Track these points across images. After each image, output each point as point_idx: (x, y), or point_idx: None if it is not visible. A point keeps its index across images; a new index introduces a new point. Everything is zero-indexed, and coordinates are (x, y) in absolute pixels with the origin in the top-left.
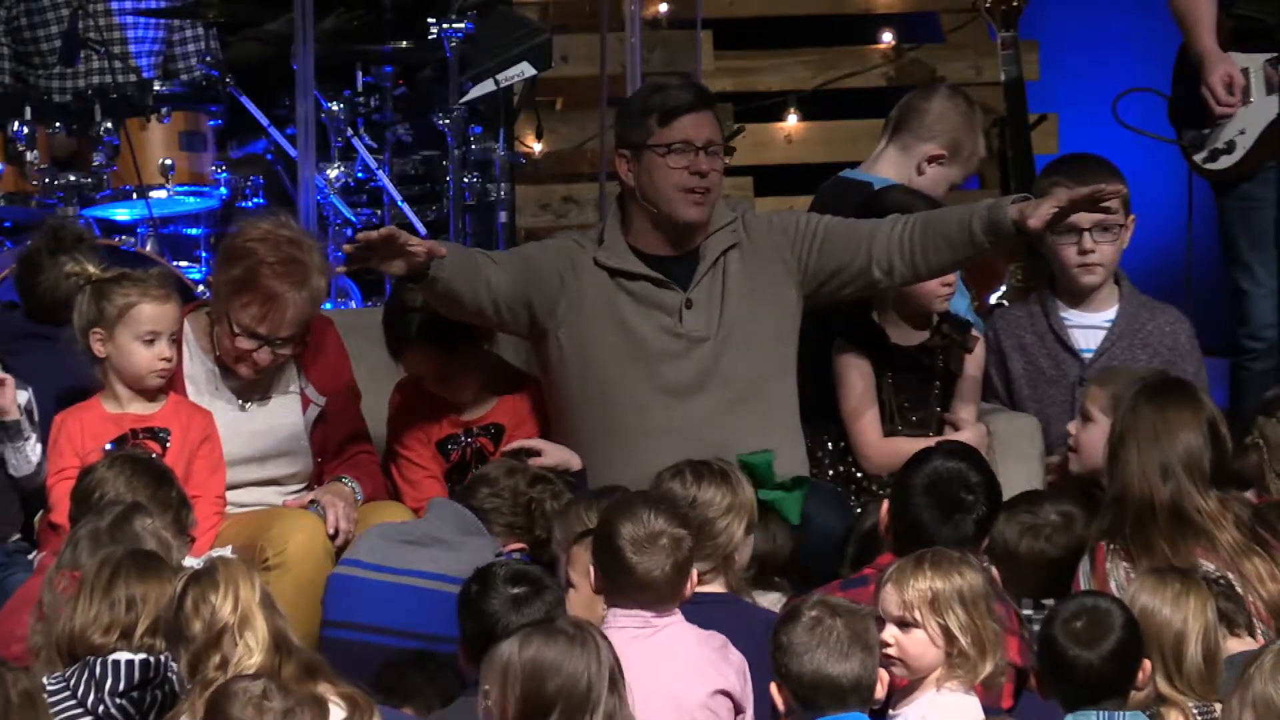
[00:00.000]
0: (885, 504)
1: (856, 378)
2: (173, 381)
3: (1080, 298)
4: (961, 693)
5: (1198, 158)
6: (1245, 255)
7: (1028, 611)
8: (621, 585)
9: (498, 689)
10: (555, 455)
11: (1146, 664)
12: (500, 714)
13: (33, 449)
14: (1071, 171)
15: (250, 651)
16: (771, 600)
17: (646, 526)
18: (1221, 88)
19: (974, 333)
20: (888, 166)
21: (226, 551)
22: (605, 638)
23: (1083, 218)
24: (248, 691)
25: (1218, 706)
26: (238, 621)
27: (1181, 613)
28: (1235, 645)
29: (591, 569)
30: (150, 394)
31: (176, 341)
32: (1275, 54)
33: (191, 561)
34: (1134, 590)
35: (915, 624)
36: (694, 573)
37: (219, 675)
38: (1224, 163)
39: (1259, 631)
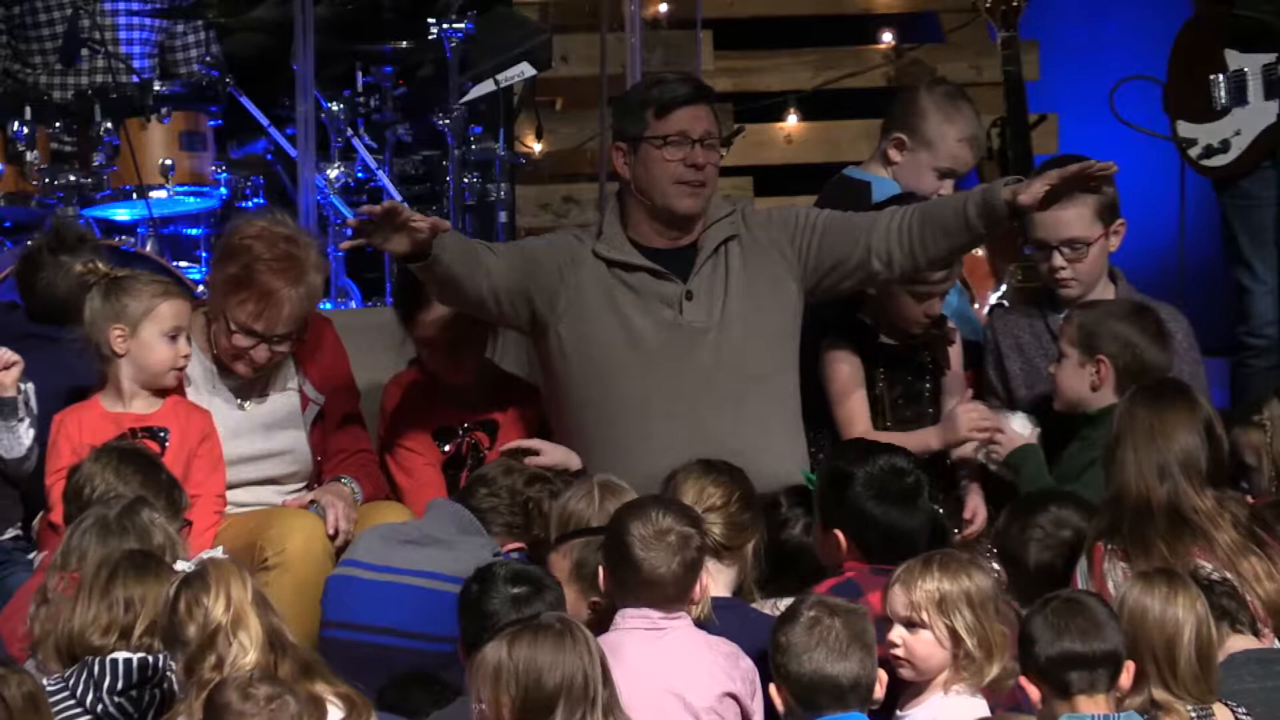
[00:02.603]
0: (827, 531)
1: (844, 371)
2: None
3: (1075, 300)
4: (969, 694)
5: (1193, 152)
6: (1246, 253)
7: None
8: (629, 583)
9: (490, 693)
10: (554, 454)
11: (1130, 665)
12: (495, 717)
13: (26, 432)
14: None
15: (245, 650)
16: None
17: (655, 524)
18: None
19: (950, 324)
20: (877, 164)
21: (217, 552)
22: (588, 630)
23: (1049, 235)
24: (236, 679)
25: (1216, 709)
26: (231, 621)
27: (1172, 612)
28: (1239, 643)
29: (599, 571)
30: (163, 391)
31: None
32: (1275, 57)
33: (183, 565)
34: (1122, 595)
35: (922, 625)
36: (704, 576)
37: (215, 675)
38: (1218, 161)
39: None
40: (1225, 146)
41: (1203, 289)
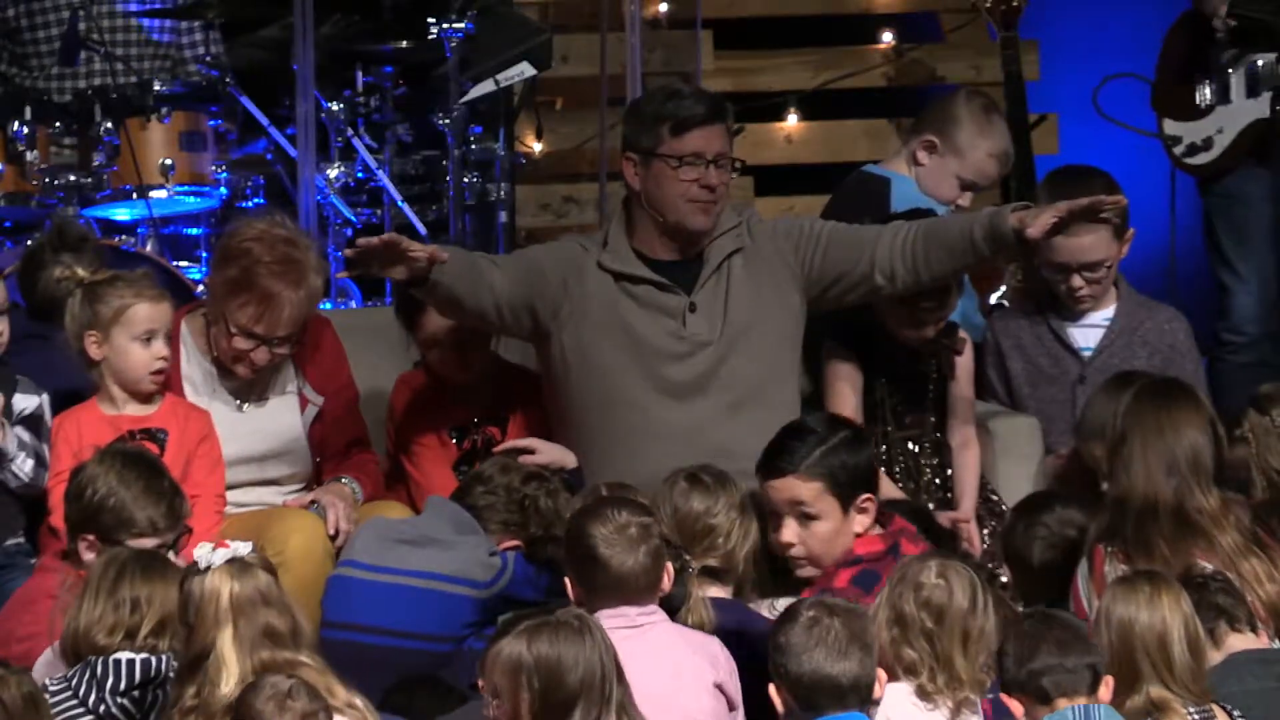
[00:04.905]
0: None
1: (840, 378)
2: (170, 382)
3: (1088, 311)
4: (905, 686)
5: (1177, 150)
6: (1228, 251)
7: None
8: (599, 584)
9: (509, 688)
10: (550, 453)
11: (1109, 680)
12: (512, 714)
13: (20, 466)
14: (1067, 186)
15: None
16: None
17: (614, 520)
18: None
19: (961, 334)
20: (900, 162)
21: (244, 549)
22: (600, 626)
23: (1070, 259)
24: (275, 687)
25: (1214, 709)
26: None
27: (1158, 613)
28: (1239, 642)
29: (567, 583)
30: (145, 396)
31: (171, 341)
32: (1258, 56)
33: (203, 554)
34: (1106, 604)
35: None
36: (669, 565)
37: (194, 703)
38: (1201, 159)
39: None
40: (1208, 144)
41: (1193, 289)
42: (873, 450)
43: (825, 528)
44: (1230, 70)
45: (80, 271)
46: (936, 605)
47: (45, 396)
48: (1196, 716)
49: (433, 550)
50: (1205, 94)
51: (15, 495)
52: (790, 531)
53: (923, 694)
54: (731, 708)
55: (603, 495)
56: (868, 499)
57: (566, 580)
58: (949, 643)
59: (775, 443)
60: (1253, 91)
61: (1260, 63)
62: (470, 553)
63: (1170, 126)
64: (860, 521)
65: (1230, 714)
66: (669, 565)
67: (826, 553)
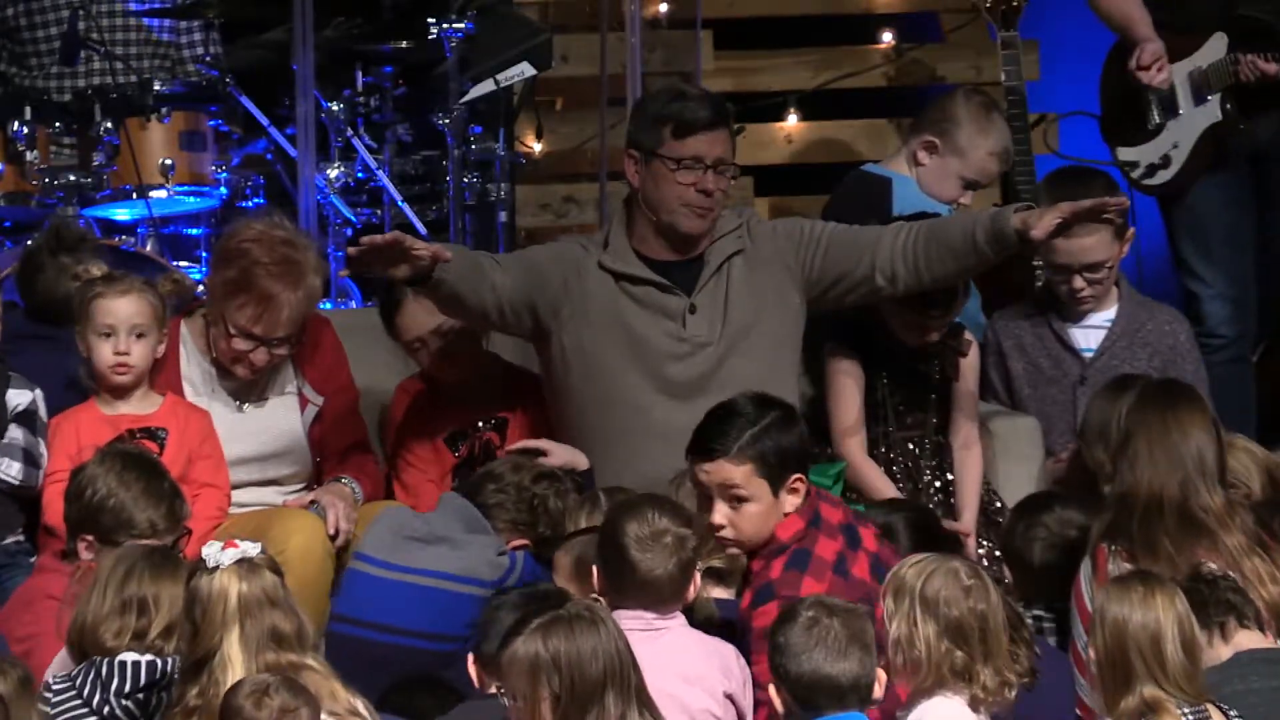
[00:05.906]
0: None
1: (843, 382)
2: (158, 379)
3: (1090, 311)
4: (957, 700)
5: (1135, 174)
6: (1191, 260)
7: (1038, 612)
8: (625, 585)
9: (527, 688)
10: (562, 455)
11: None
12: (532, 714)
13: (7, 469)
14: (1068, 187)
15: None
16: None
17: (651, 525)
18: (1136, 61)
19: (967, 336)
20: (900, 162)
21: (255, 549)
22: (610, 614)
23: (1071, 260)
24: (254, 683)
25: (1209, 709)
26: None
27: (1152, 613)
28: (1247, 639)
29: (594, 570)
30: (117, 393)
31: (143, 337)
32: (1196, 65)
33: (211, 553)
34: (1100, 603)
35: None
36: (697, 575)
37: (199, 703)
38: (1161, 177)
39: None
40: (1166, 162)
41: (1160, 296)
42: (803, 429)
43: (755, 509)
44: (1175, 82)
45: (95, 270)
46: (982, 609)
47: (39, 392)
48: (1191, 717)
49: (442, 549)
50: (1153, 114)
51: (13, 494)
52: (720, 514)
53: (975, 703)
54: (741, 718)
55: (646, 494)
56: (798, 479)
57: (593, 569)
58: (995, 641)
59: (704, 425)
60: (1199, 99)
61: (1205, 64)
62: (479, 552)
63: (1124, 153)
64: (790, 502)
65: (1226, 714)
66: (696, 576)
67: (756, 534)
